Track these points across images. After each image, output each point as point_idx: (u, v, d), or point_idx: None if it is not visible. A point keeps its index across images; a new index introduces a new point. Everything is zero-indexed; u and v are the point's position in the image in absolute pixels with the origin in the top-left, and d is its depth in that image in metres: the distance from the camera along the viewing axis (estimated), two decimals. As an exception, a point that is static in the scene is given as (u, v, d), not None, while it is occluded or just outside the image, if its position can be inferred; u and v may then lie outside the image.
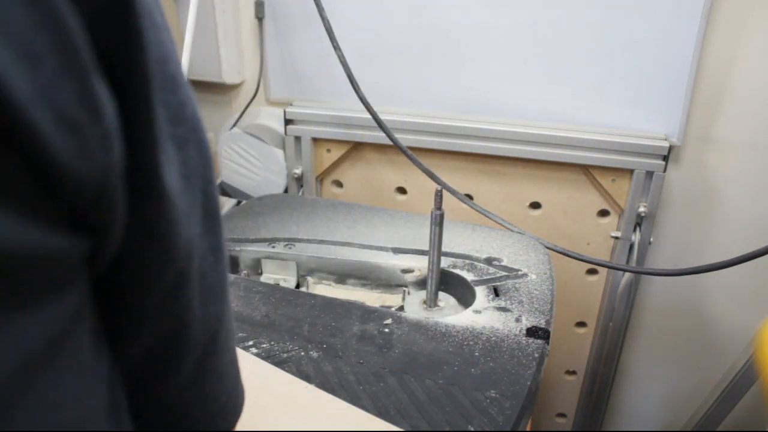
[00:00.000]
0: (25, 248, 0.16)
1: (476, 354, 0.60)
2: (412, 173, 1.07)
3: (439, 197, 0.68)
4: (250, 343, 0.61)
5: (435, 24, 0.98)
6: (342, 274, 0.80)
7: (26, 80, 0.15)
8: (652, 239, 1.02)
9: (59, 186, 0.16)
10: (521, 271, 0.76)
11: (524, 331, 0.64)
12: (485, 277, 0.74)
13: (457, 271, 0.76)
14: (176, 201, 0.21)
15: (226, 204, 1.13)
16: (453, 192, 0.94)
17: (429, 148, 1.04)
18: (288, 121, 1.08)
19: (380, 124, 0.96)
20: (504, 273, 0.75)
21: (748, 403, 1.00)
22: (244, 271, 0.82)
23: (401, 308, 0.74)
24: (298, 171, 1.11)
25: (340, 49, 0.96)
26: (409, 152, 0.96)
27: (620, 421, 1.27)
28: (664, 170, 0.95)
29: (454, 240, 0.82)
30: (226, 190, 1.15)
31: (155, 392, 0.25)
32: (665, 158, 0.94)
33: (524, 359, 0.59)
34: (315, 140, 1.10)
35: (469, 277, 0.74)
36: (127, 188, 0.19)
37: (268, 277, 0.81)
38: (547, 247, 0.85)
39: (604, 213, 1.04)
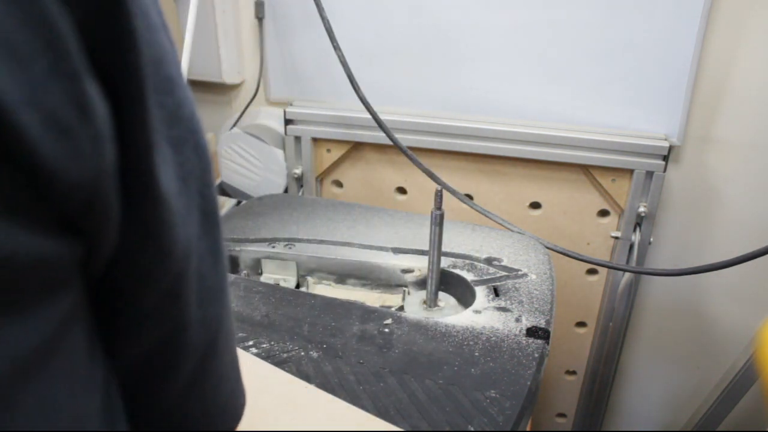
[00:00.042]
0: (14, 252, 0.15)
1: (476, 354, 0.60)
2: (412, 173, 1.07)
3: (439, 197, 0.68)
4: (250, 343, 0.61)
5: (435, 24, 0.98)
6: (342, 274, 0.80)
7: (13, 82, 0.14)
8: (652, 239, 1.02)
9: (49, 189, 0.16)
10: (521, 271, 0.76)
11: (524, 331, 0.64)
12: (485, 277, 0.74)
13: (457, 271, 0.76)
14: (172, 203, 0.21)
15: (226, 204, 1.12)
16: (453, 192, 0.94)
17: (429, 148, 1.04)
18: (288, 121, 1.08)
19: (380, 124, 0.96)
20: (504, 273, 0.75)
21: (748, 403, 1.00)
22: (244, 271, 0.82)
23: (401, 308, 0.74)
24: (298, 171, 1.11)
25: (340, 49, 0.96)
26: (409, 152, 0.96)
27: (620, 421, 1.27)
28: (664, 170, 0.95)
29: (454, 240, 0.82)
30: (226, 190, 1.15)
31: (154, 394, 0.25)
32: (665, 158, 0.94)
33: (524, 359, 0.59)
34: (315, 140, 1.10)
35: (469, 277, 0.74)
36: (122, 190, 0.19)
37: (268, 277, 0.81)
38: (547, 247, 0.85)
39: (604, 213, 1.04)
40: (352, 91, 0.96)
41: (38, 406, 0.17)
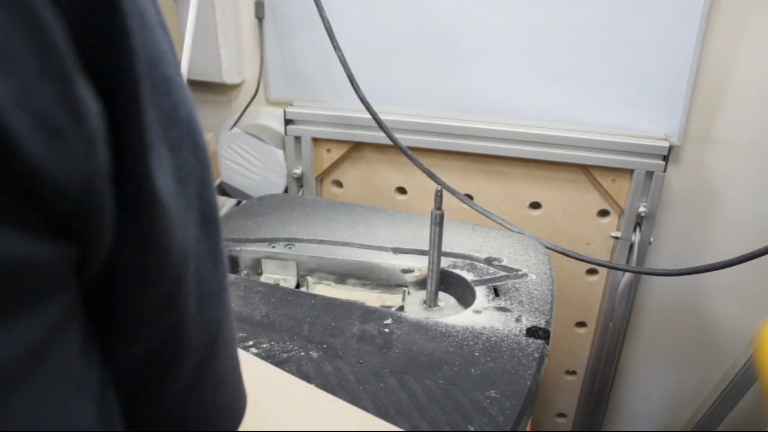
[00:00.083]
0: (3, 255, 0.15)
1: (476, 354, 0.60)
2: (412, 173, 1.07)
3: (439, 197, 0.68)
4: (250, 343, 0.61)
5: (435, 24, 0.98)
6: (342, 274, 0.80)
7: (1, 83, 0.14)
8: (652, 239, 1.02)
9: (39, 191, 0.16)
10: (521, 271, 0.76)
11: (524, 331, 0.64)
12: (485, 277, 0.74)
13: (457, 271, 0.76)
14: (169, 206, 0.21)
15: (226, 204, 1.12)
16: (453, 192, 0.94)
17: (429, 148, 1.04)
18: (288, 121, 1.08)
19: (380, 124, 0.96)
20: (504, 273, 0.75)
21: (748, 403, 1.00)
22: (244, 271, 0.82)
23: (401, 308, 0.74)
24: (298, 171, 1.11)
25: (340, 49, 0.96)
26: (409, 152, 0.96)
27: (620, 421, 1.27)
28: (664, 170, 0.95)
29: (454, 240, 0.82)
30: (226, 190, 1.15)
31: (153, 396, 0.25)
32: (665, 158, 0.94)
33: (524, 359, 0.59)
34: (315, 140, 1.10)
35: (469, 277, 0.74)
36: (116, 193, 0.19)
37: (268, 277, 0.81)
38: (547, 247, 0.85)
39: (604, 213, 1.04)
40: (352, 91, 0.96)
41: (29, 411, 0.17)
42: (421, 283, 0.77)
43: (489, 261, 0.78)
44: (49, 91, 0.16)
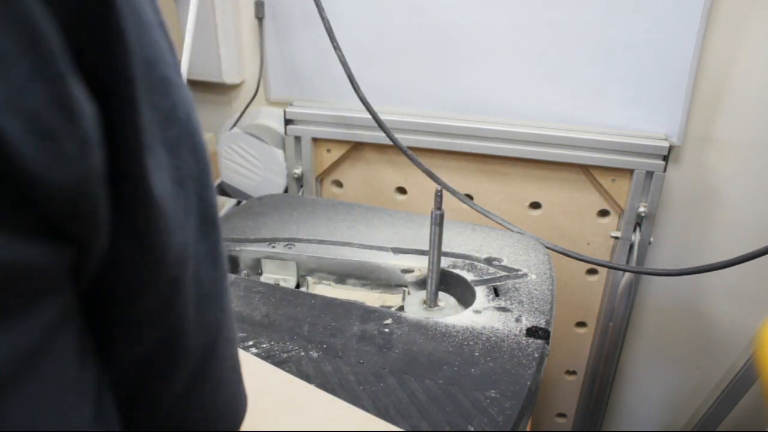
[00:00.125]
0: None
1: (476, 354, 0.60)
2: (412, 173, 1.07)
3: (439, 197, 0.68)
4: (250, 343, 0.61)
5: (435, 24, 0.98)
6: (342, 274, 0.80)
7: None
8: (652, 239, 1.02)
9: (32, 194, 0.16)
10: (521, 271, 0.76)
11: (524, 331, 0.64)
12: (485, 277, 0.74)
13: (457, 271, 0.76)
14: (166, 207, 0.21)
15: (226, 204, 1.12)
16: (453, 192, 0.94)
17: (429, 148, 1.04)
18: (288, 121, 1.08)
19: (380, 124, 0.96)
20: (504, 273, 0.75)
21: (748, 403, 1.00)
22: (244, 271, 0.82)
23: (401, 308, 0.74)
24: (298, 171, 1.11)
25: (340, 49, 0.96)
26: (409, 152, 0.96)
27: (620, 421, 1.27)
28: (664, 170, 0.95)
29: (454, 240, 0.82)
30: (226, 190, 1.15)
31: (152, 398, 0.24)
32: (665, 158, 0.94)
33: (524, 359, 0.59)
34: (315, 140, 1.10)
35: (469, 277, 0.74)
36: (112, 195, 0.19)
37: (268, 277, 0.81)
38: (547, 247, 0.85)
39: (604, 213, 1.04)
40: (352, 91, 0.96)
41: (24, 413, 0.17)
42: (421, 283, 0.77)
43: (489, 261, 0.78)
44: (41, 92, 0.15)
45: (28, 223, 0.16)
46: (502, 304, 0.69)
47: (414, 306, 0.74)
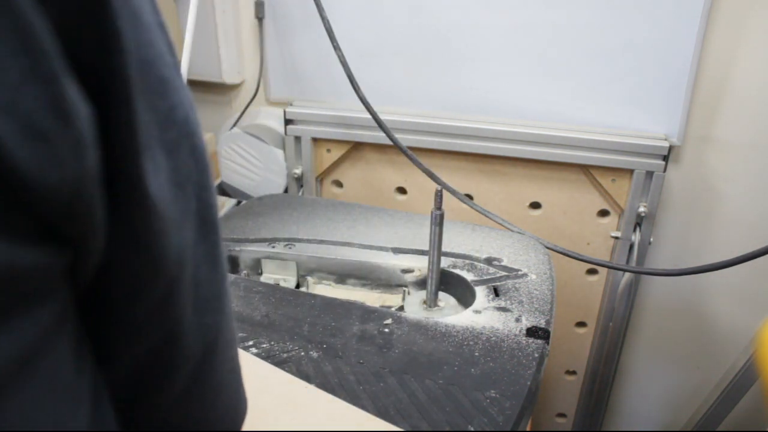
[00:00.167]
0: None
1: (476, 354, 0.60)
2: (412, 173, 1.07)
3: (439, 197, 0.68)
4: (250, 343, 0.61)
5: (435, 24, 0.98)
6: (342, 274, 0.80)
7: None
8: (652, 239, 1.02)
9: (26, 196, 0.16)
10: (521, 271, 0.76)
11: (524, 331, 0.64)
12: (485, 277, 0.74)
13: (457, 271, 0.76)
14: (164, 209, 0.20)
15: (226, 204, 1.12)
16: (453, 192, 0.94)
17: (429, 148, 1.04)
18: (288, 121, 1.08)
19: (380, 124, 0.96)
20: (504, 273, 0.75)
21: (748, 403, 1.00)
22: (244, 271, 0.82)
23: (401, 308, 0.74)
24: (298, 171, 1.11)
25: (340, 49, 0.96)
26: (409, 152, 0.96)
27: (620, 421, 1.27)
28: (664, 170, 0.95)
29: (454, 240, 0.82)
30: (226, 190, 1.15)
31: (152, 400, 0.24)
32: (665, 158, 0.94)
33: (524, 359, 0.59)
34: (315, 140, 1.10)
35: (469, 277, 0.74)
36: (108, 196, 0.19)
37: (268, 277, 0.81)
38: (547, 247, 0.85)
39: (604, 213, 1.04)
40: (352, 91, 0.96)
41: (21, 415, 0.16)
42: (421, 283, 0.77)
43: (489, 261, 0.78)
44: (35, 93, 0.15)
45: (22, 225, 0.16)
46: (502, 304, 0.69)
47: (414, 306, 0.74)
